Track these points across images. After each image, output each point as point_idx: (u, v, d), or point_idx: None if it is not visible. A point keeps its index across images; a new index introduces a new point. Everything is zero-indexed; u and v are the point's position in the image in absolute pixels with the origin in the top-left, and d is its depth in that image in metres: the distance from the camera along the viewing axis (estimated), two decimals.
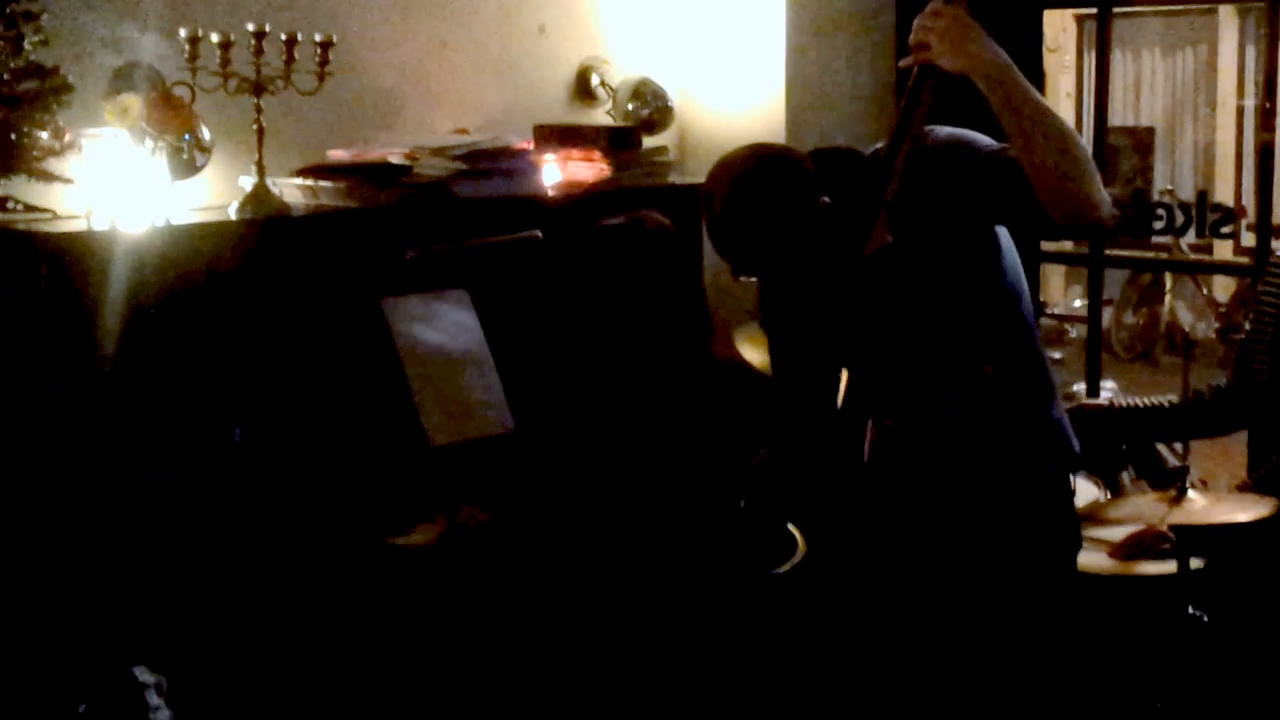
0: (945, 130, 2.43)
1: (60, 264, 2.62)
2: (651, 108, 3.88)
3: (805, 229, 2.37)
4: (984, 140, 2.38)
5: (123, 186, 2.76)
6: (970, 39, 2.25)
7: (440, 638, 2.65)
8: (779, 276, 2.54)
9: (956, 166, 2.36)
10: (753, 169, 2.39)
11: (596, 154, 3.44)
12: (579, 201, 3.32)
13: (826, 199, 2.38)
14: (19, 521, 2.65)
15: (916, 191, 2.35)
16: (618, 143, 3.50)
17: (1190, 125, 5.53)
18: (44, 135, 2.79)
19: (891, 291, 2.43)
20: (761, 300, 2.68)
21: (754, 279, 2.57)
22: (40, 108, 2.79)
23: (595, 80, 3.87)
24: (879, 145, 2.46)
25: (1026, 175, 2.24)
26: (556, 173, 3.40)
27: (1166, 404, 3.41)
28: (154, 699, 2.34)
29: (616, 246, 3.13)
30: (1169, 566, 3.10)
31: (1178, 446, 3.72)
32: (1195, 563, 3.06)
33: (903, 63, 2.37)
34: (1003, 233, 2.47)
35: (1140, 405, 3.42)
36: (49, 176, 2.82)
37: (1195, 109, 5.65)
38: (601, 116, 3.87)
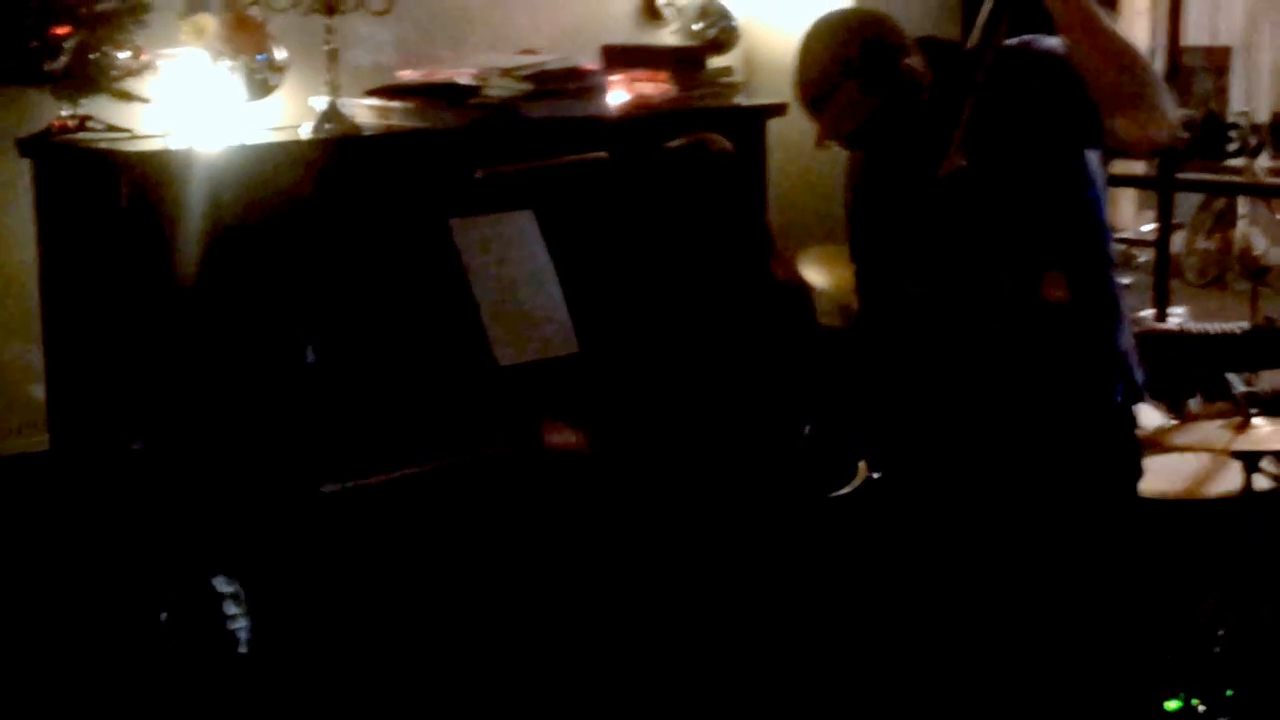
0: (1048, 40, 2.40)
1: (140, 183, 2.68)
2: (718, 28, 3.86)
3: (890, 83, 2.37)
4: None
5: (199, 106, 2.81)
6: None
7: (510, 549, 2.71)
8: (861, 146, 2.53)
9: (1059, 77, 2.34)
10: (844, 16, 2.50)
11: (662, 75, 3.43)
12: (645, 122, 3.32)
13: (918, 66, 2.39)
14: (102, 436, 2.73)
15: (1006, 102, 2.34)
16: (684, 63, 3.49)
17: (1268, 45, 5.41)
18: (123, 55, 2.84)
19: (965, 215, 2.43)
20: (851, 224, 2.67)
21: (836, 146, 2.57)
22: (119, 28, 2.83)
23: (662, 0, 3.85)
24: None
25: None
26: (623, 93, 3.40)
27: (1238, 331, 3.36)
28: (232, 608, 2.42)
29: (678, 169, 3.14)
30: (1234, 487, 3.10)
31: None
32: (1260, 484, 3.06)
33: None
34: (1089, 151, 2.45)
35: (1211, 332, 3.37)
36: (128, 96, 2.87)
37: (1274, 29, 5.52)
38: (668, 37, 3.85)
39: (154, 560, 2.55)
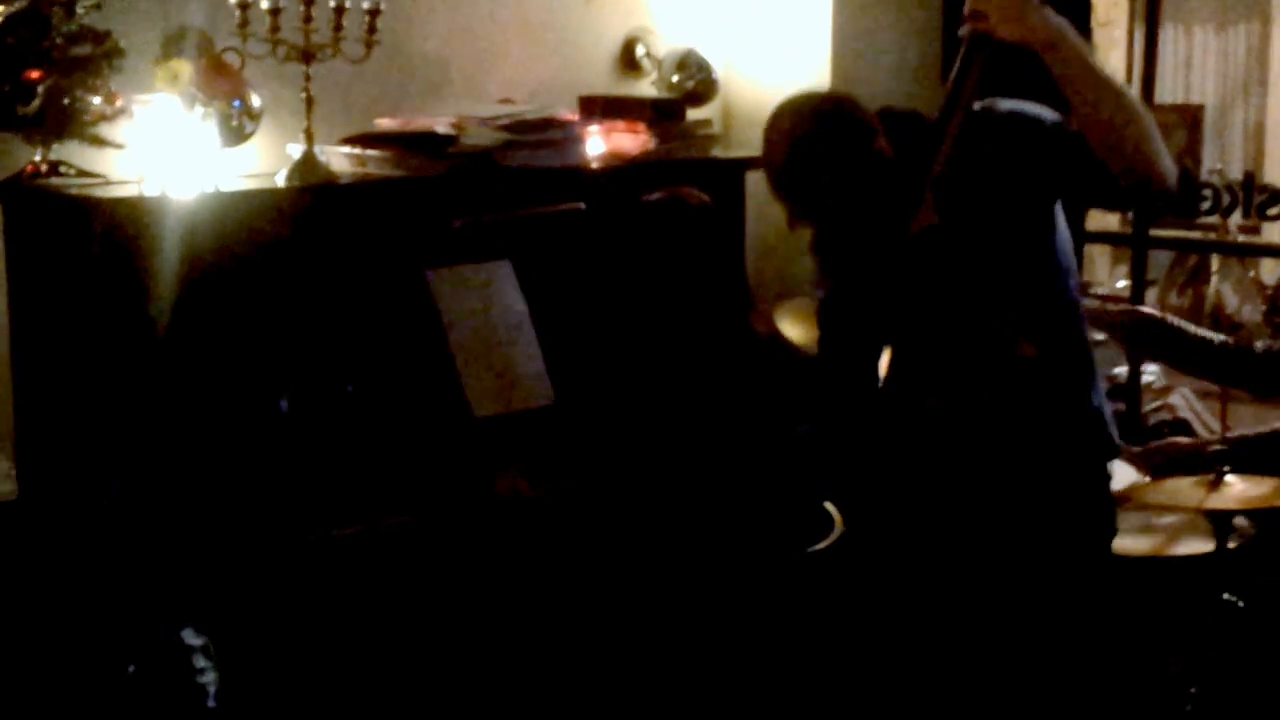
0: (1007, 103, 2.42)
1: (112, 230, 2.65)
2: (696, 80, 3.87)
3: (859, 169, 2.37)
4: (1048, 113, 2.38)
5: (173, 152, 2.79)
6: (1029, 6, 2.26)
7: (480, 605, 2.68)
8: (832, 225, 2.53)
9: (1021, 139, 2.36)
10: (810, 101, 2.45)
11: (641, 126, 3.44)
12: (622, 173, 3.32)
13: (885, 145, 2.39)
14: (72, 485, 2.70)
15: (971, 165, 2.35)
16: (662, 115, 3.50)
17: (1241, 104, 5.48)
18: (96, 100, 2.82)
19: (937, 272, 2.43)
20: (820, 279, 2.67)
21: (808, 227, 2.56)
22: (92, 72, 2.81)
23: (640, 51, 3.86)
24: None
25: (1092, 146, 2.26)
26: (600, 144, 3.41)
27: (1218, 341, 3.33)
28: (201, 661, 2.38)
29: (655, 223, 3.14)
30: (1206, 547, 3.10)
31: (1215, 427, 3.69)
32: (1232, 542, 3.06)
33: (962, 30, 2.37)
34: (1057, 209, 2.47)
35: (1195, 333, 3.32)
36: (101, 142, 2.84)
37: (1246, 88, 5.60)
38: (646, 88, 3.86)
39: (122, 611, 2.51)
